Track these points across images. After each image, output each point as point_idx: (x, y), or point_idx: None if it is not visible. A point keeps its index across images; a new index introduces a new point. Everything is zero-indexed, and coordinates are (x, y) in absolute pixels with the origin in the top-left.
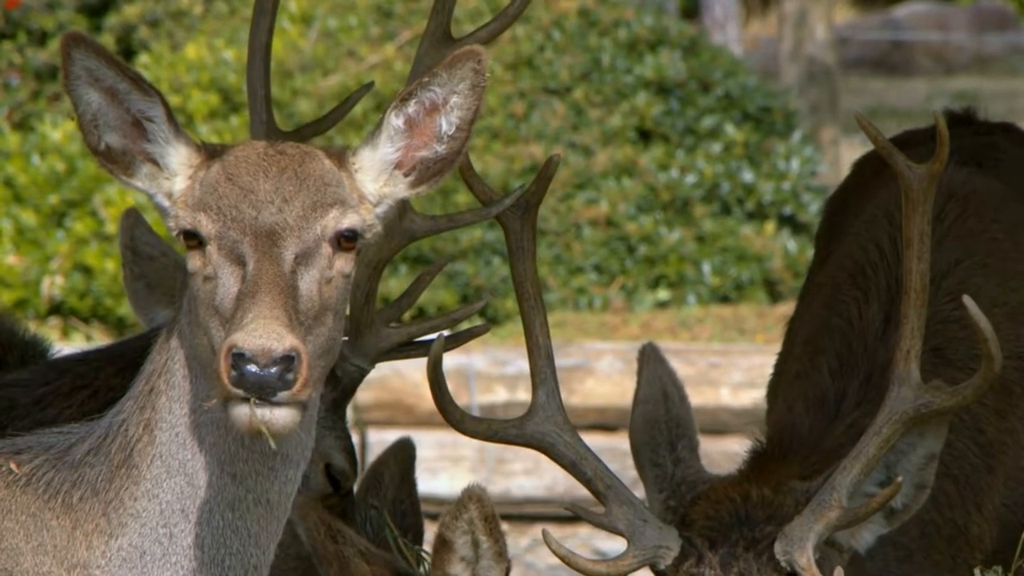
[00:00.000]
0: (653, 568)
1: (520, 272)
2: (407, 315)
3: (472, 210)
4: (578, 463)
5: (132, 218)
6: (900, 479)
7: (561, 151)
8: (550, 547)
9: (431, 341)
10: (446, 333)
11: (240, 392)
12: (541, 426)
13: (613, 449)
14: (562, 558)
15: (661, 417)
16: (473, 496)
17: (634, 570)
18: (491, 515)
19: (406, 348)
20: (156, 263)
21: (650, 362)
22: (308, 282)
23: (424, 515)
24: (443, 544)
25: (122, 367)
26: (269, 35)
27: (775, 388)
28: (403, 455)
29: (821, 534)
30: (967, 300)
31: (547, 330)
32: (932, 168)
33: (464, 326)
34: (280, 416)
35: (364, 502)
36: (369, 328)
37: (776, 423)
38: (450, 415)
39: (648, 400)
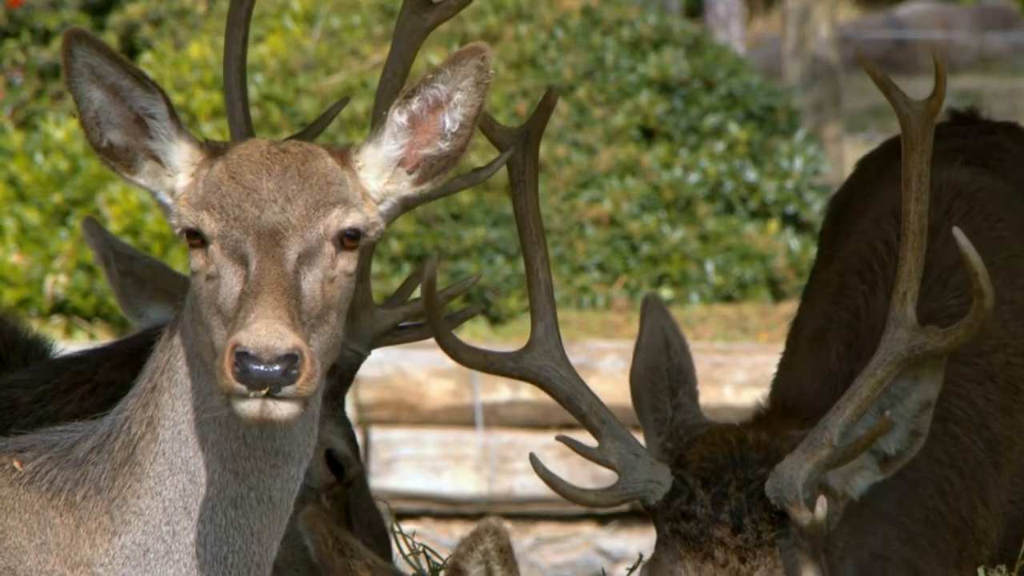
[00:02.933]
0: (644, 503)
1: (521, 206)
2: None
3: (463, 176)
4: (574, 397)
5: (95, 224)
6: (888, 414)
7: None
8: (536, 470)
9: (427, 325)
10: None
11: (243, 388)
12: (538, 360)
13: None
14: (548, 483)
15: (662, 364)
16: (490, 528)
17: (622, 502)
18: (507, 547)
19: (402, 332)
20: (140, 262)
21: (652, 312)
22: (311, 282)
23: (427, 514)
24: (456, 573)
25: (120, 363)
26: (244, 46)
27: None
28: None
29: (811, 472)
30: (957, 232)
31: (548, 265)
32: (931, 104)
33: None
34: (283, 408)
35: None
36: (363, 311)
37: (782, 390)
38: (444, 342)
39: (650, 348)
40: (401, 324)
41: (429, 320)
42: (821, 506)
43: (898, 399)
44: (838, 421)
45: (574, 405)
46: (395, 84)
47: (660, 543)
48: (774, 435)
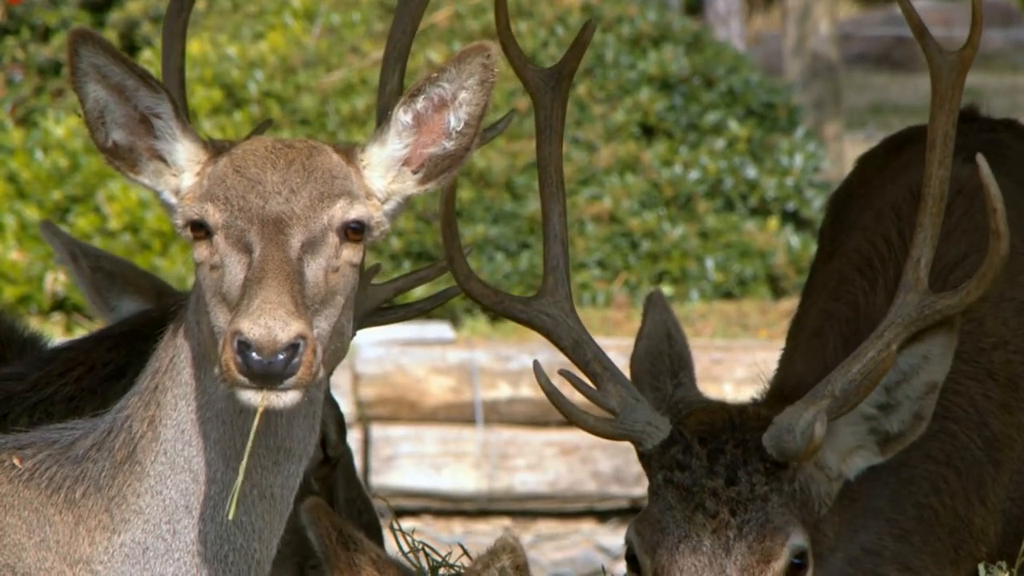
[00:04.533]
0: (639, 447)
1: (545, 154)
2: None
3: None
4: (579, 345)
5: (54, 226)
6: (894, 347)
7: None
8: (539, 380)
9: (418, 305)
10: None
11: (246, 380)
12: (547, 308)
13: (619, 444)
14: (549, 396)
15: (664, 351)
16: (507, 547)
17: (616, 436)
18: (523, 564)
19: (392, 312)
20: (106, 259)
21: (655, 307)
22: (315, 269)
23: (427, 511)
24: None
25: (113, 345)
26: (182, 58)
27: None
28: (343, 459)
29: (810, 421)
30: (980, 159)
31: (565, 219)
32: (964, 54)
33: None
34: (284, 398)
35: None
36: None
37: (780, 380)
38: (457, 268)
39: (652, 336)
40: (389, 306)
41: (445, 245)
42: (820, 423)
43: (906, 377)
44: (842, 377)
45: (578, 353)
46: (404, 43)
47: (651, 493)
48: (772, 410)
